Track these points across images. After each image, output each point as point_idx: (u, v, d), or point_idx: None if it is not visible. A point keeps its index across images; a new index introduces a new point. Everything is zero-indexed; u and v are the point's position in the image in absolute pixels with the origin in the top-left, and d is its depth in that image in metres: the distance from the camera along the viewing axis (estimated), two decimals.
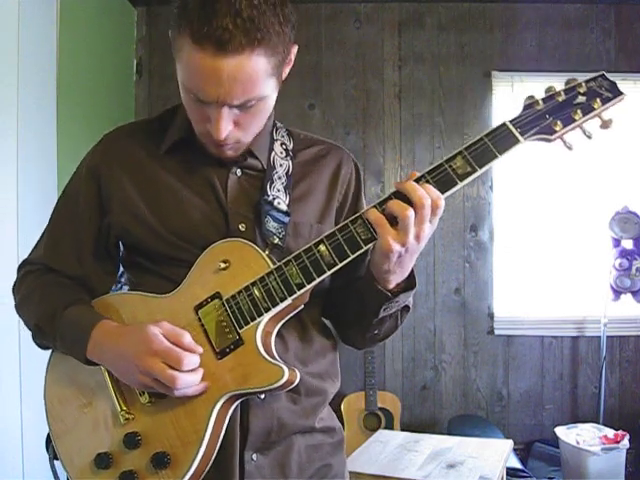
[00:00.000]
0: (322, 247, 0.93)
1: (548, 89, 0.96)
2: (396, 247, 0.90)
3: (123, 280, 1.19)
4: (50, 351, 1.07)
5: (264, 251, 0.97)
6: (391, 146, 3.46)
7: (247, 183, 1.04)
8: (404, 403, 3.31)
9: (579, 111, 0.94)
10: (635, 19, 3.39)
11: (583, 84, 0.96)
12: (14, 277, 1.14)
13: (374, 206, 0.92)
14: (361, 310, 1.03)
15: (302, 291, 0.93)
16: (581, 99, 0.95)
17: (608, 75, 0.97)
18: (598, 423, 3.08)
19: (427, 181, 0.91)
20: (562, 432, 2.99)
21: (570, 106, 0.95)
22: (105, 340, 0.96)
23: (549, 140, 0.95)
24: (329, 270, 0.92)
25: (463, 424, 3.16)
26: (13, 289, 1.12)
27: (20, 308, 1.10)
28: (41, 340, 1.06)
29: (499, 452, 2.37)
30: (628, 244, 3.17)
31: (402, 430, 3.07)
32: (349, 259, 0.92)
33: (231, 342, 0.93)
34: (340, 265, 0.93)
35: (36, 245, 1.14)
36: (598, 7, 3.39)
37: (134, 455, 0.94)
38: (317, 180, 1.09)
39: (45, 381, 1.05)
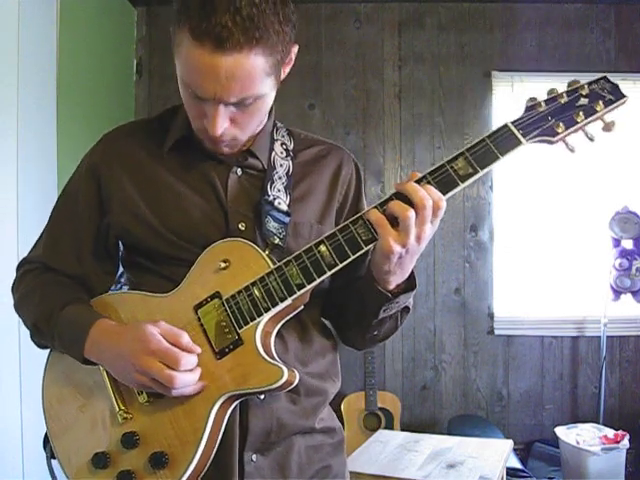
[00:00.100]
0: (323, 247, 0.92)
1: (550, 91, 0.96)
2: (397, 248, 0.89)
3: (123, 280, 1.19)
4: (49, 350, 1.07)
5: (264, 251, 0.96)
6: (391, 146, 3.45)
7: (247, 183, 1.04)
8: (404, 403, 3.30)
9: (581, 113, 0.94)
10: (635, 19, 3.38)
11: (585, 86, 0.95)
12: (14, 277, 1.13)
13: (375, 207, 0.92)
14: (361, 311, 1.03)
15: (302, 291, 0.93)
16: (583, 101, 0.94)
17: (609, 76, 0.96)
18: (598, 423, 3.07)
19: (428, 182, 0.91)
20: (562, 432, 2.99)
21: (572, 108, 0.94)
22: (103, 339, 0.95)
23: (551, 142, 0.95)
24: (329, 270, 0.92)
25: (463, 424, 3.16)
26: (12, 288, 1.12)
27: (19, 307, 1.09)
28: (39, 339, 1.05)
29: (499, 452, 2.36)
30: (628, 244, 3.17)
31: (402, 430, 3.07)
32: (350, 260, 0.92)
33: (230, 342, 0.93)
34: (341, 266, 0.92)
35: (35, 244, 1.13)
36: (598, 7, 3.39)
37: (132, 455, 0.94)
38: (317, 180, 1.09)
39: (43, 380, 1.05)
